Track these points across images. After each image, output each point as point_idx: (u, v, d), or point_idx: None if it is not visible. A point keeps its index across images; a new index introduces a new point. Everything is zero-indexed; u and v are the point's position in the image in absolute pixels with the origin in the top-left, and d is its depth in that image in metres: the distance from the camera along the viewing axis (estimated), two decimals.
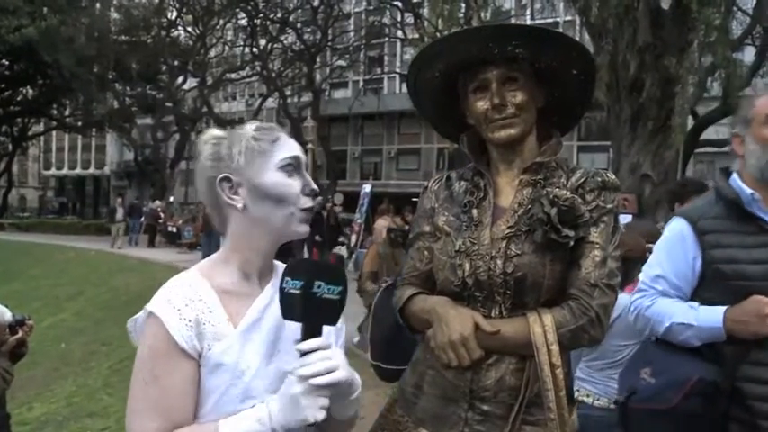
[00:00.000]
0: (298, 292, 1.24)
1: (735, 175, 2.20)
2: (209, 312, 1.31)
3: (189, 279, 1.35)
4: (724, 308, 2.05)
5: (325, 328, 1.29)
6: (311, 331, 1.25)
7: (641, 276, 2.34)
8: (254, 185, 1.36)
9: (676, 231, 2.23)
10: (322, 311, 1.27)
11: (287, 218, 1.37)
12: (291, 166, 1.38)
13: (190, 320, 1.28)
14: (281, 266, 1.48)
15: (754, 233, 2.08)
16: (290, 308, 1.25)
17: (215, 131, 1.45)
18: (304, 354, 1.24)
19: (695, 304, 2.14)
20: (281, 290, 1.25)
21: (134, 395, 1.29)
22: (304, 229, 1.39)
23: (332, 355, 1.25)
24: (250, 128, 1.41)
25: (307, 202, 1.38)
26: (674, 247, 2.22)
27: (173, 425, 1.26)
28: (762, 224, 2.08)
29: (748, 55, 16.41)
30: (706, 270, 2.14)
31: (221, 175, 1.38)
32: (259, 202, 1.36)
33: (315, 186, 1.40)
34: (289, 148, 1.39)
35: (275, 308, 1.36)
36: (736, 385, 2.04)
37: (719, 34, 9.50)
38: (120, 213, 22.74)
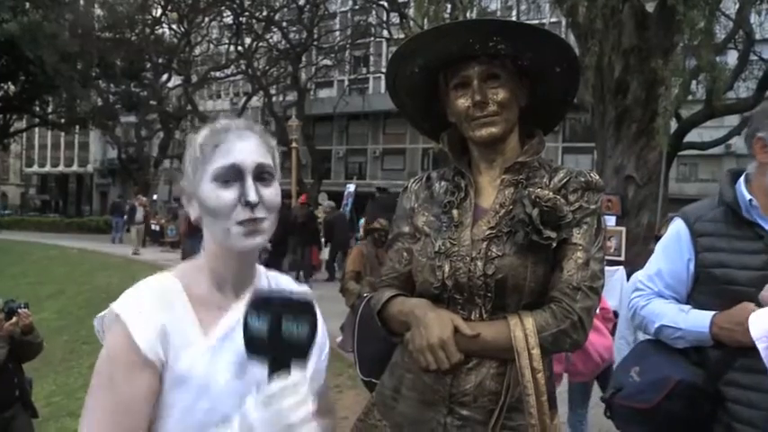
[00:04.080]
0: (263, 333, 1.12)
1: (741, 179, 2.16)
2: (179, 320, 1.23)
3: (162, 283, 1.28)
4: (712, 313, 2.04)
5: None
6: (277, 370, 1.13)
7: (640, 275, 2.35)
8: (196, 197, 1.29)
9: (674, 231, 2.23)
10: (290, 351, 1.14)
11: (224, 233, 1.25)
12: (227, 175, 1.25)
13: (156, 327, 1.20)
14: (263, 273, 1.41)
15: (749, 239, 2.06)
16: (253, 350, 1.13)
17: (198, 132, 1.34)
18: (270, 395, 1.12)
19: (686, 307, 2.14)
20: (245, 327, 1.12)
21: (90, 399, 1.20)
22: (248, 243, 1.26)
23: (301, 402, 1.11)
24: (204, 132, 1.31)
25: (243, 214, 1.24)
26: (671, 247, 2.22)
27: None
28: (758, 230, 2.06)
29: (731, 59, 16.54)
30: (699, 273, 2.14)
31: (181, 182, 1.34)
32: (203, 214, 1.29)
33: (252, 197, 1.23)
34: (227, 153, 1.26)
35: None
36: (720, 388, 2.04)
37: (704, 37, 9.53)
38: (140, 214, 20.52)
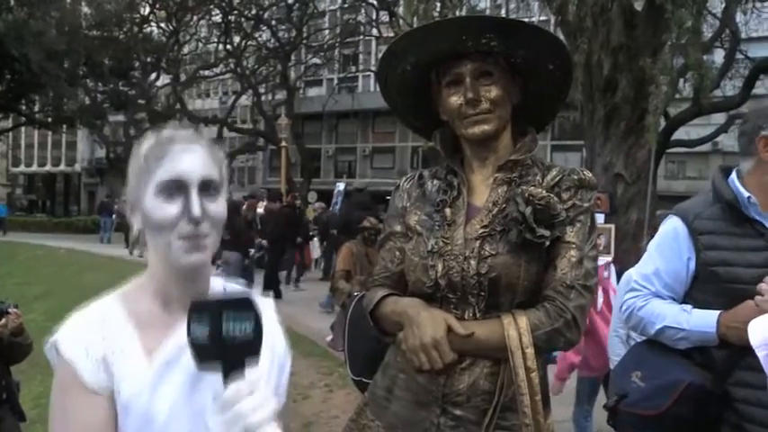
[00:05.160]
0: (206, 341, 1.07)
1: (733, 176, 2.14)
2: (121, 351, 1.19)
3: (103, 310, 1.24)
4: (717, 312, 2.02)
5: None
6: (230, 375, 1.08)
7: (634, 275, 2.30)
8: (140, 209, 1.24)
9: (670, 230, 2.19)
10: (239, 353, 1.09)
11: (166, 247, 1.21)
12: (171, 189, 1.20)
13: (98, 360, 1.18)
14: (216, 287, 1.33)
15: (750, 236, 2.04)
16: (202, 359, 1.08)
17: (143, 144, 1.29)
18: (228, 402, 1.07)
19: (688, 307, 2.11)
20: (189, 336, 1.08)
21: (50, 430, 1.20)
22: (191, 260, 1.21)
23: (260, 403, 1.07)
24: (148, 144, 1.27)
25: (186, 230, 1.19)
26: (668, 246, 2.18)
27: None
28: (758, 228, 2.04)
29: (718, 57, 16.66)
30: (700, 271, 2.10)
31: (123, 197, 1.30)
32: (146, 227, 1.24)
33: (196, 212, 1.18)
34: (171, 167, 1.21)
35: None
36: (727, 389, 2.01)
37: (691, 36, 9.58)
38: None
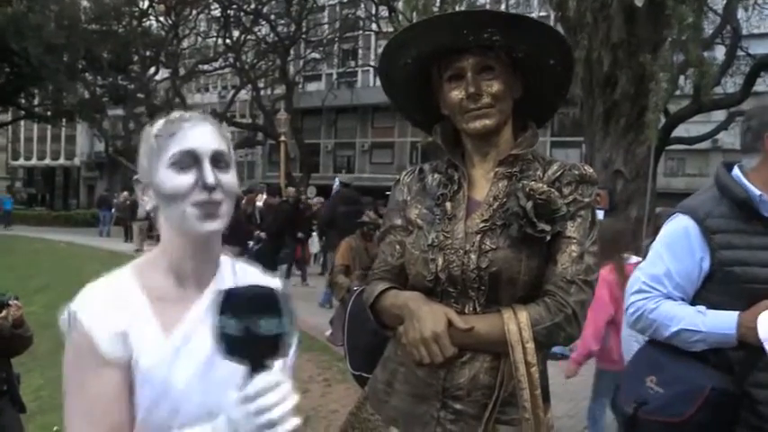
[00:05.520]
0: (237, 333, 1.06)
1: (738, 173, 2.11)
2: (139, 322, 1.22)
3: (119, 282, 1.27)
4: (735, 313, 1.97)
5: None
6: (257, 369, 1.09)
7: (642, 276, 2.22)
8: (153, 186, 1.28)
9: (680, 229, 2.13)
10: (264, 347, 1.09)
11: (180, 216, 1.24)
12: (184, 160, 1.24)
13: (114, 327, 1.20)
14: (226, 264, 1.37)
15: (761, 234, 2.01)
16: (230, 351, 1.09)
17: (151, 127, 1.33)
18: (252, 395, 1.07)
19: (703, 308, 2.05)
20: (216, 328, 1.08)
21: (67, 405, 1.21)
22: (205, 227, 1.24)
23: (284, 396, 1.07)
24: (158, 125, 1.30)
25: (200, 196, 1.23)
26: (678, 245, 2.12)
27: None
28: None
29: (719, 54, 16.63)
30: (714, 271, 2.05)
31: (134, 177, 1.33)
32: (160, 201, 1.27)
33: (210, 180, 1.23)
34: (183, 141, 1.25)
35: None
36: (746, 390, 1.97)
37: (692, 32, 9.58)
38: (142, 209, 19.30)
